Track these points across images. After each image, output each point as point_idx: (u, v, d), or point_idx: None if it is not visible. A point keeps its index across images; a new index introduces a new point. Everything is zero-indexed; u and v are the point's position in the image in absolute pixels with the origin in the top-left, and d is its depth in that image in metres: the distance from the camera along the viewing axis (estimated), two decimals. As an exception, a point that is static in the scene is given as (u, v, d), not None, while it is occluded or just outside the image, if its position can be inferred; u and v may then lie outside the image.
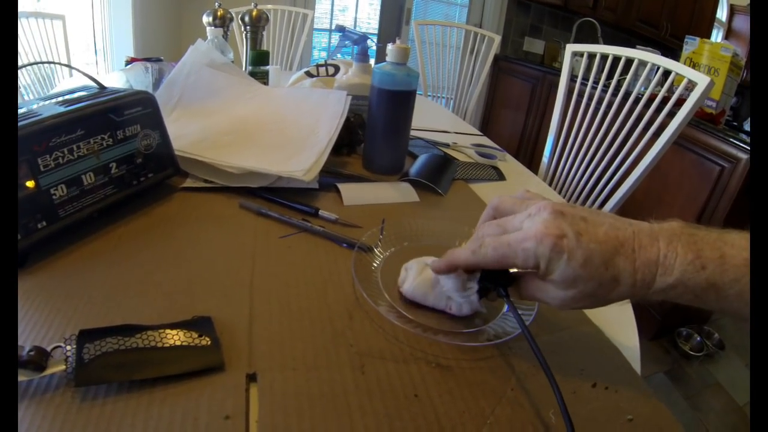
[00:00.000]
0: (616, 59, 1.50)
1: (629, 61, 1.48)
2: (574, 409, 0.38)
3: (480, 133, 1.35)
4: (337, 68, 1.22)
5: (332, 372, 0.40)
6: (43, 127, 0.53)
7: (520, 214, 0.41)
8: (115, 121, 0.61)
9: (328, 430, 0.35)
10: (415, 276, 0.50)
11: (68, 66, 0.68)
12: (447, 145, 1.14)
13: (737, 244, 0.35)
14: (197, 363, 0.41)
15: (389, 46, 0.81)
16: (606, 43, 1.61)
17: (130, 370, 0.40)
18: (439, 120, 1.46)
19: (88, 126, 0.58)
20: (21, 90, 1.81)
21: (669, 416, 0.40)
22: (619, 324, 0.53)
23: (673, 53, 3.09)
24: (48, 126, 0.54)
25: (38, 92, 1.87)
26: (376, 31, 3.68)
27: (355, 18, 3.73)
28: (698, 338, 2.01)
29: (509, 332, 0.46)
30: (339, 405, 0.37)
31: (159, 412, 0.36)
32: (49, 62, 0.65)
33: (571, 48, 1.67)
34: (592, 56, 1.59)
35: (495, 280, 0.45)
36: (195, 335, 0.43)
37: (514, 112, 3.50)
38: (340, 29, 1.11)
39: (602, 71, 1.55)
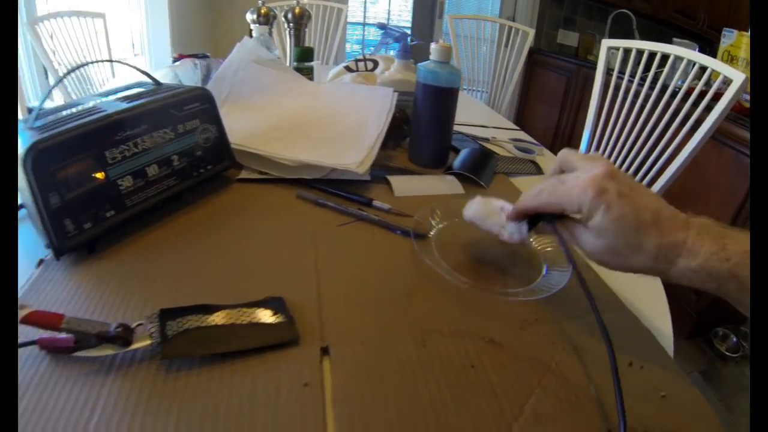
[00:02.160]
0: (653, 53, 1.51)
1: (665, 56, 1.48)
2: (612, 385, 0.40)
3: (517, 127, 1.37)
4: (375, 63, 1.26)
5: (397, 345, 0.44)
6: (110, 122, 0.57)
7: (580, 170, 0.46)
8: (176, 116, 0.65)
9: (397, 397, 0.39)
10: (480, 201, 0.58)
11: (127, 65, 0.72)
12: (486, 140, 1.17)
13: None
14: (275, 337, 0.44)
15: (432, 45, 0.84)
16: (641, 34, 1.61)
17: (212, 344, 0.43)
18: (477, 114, 1.49)
19: (151, 121, 0.62)
20: (68, 89, 1.87)
21: (700, 398, 0.42)
22: (654, 315, 0.55)
23: (711, 45, 3.03)
24: (115, 121, 0.58)
25: (79, 91, 1.92)
26: (409, 25, 3.68)
27: (388, 12, 3.74)
28: (735, 339, 1.96)
29: (555, 285, 0.54)
30: (404, 375, 0.41)
31: (241, 382, 0.40)
32: (108, 60, 0.69)
33: (606, 43, 1.67)
34: (628, 51, 1.59)
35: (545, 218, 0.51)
36: (270, 313, 0.47)
37: (549, 106, 3.47)
38: (382, 26, 1.14)
39: (638, 65, 1.55)
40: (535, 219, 0.52)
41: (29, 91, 1.72)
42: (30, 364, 0.41)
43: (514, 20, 3.40)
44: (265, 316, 0.47)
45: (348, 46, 3.64)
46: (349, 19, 3.51)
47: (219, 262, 0.55)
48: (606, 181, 0.42)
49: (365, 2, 3.66)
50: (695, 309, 1.98)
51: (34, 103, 1.88)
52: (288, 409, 0.38)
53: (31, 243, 0.57)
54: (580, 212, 0.44)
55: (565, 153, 0.50)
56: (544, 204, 0.48)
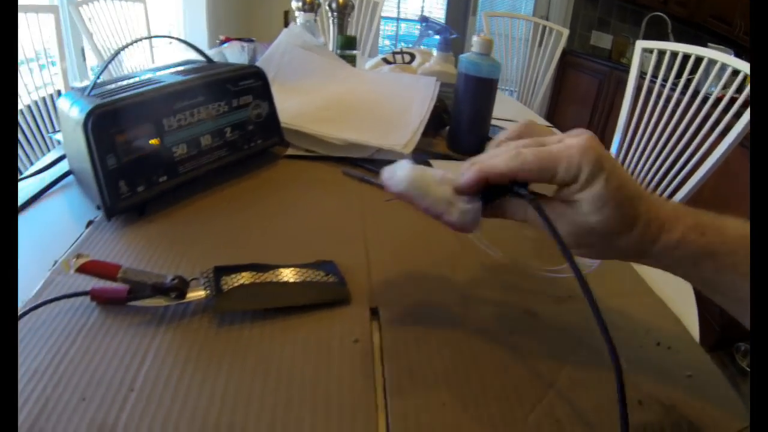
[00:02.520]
0: (686, 57, 1.50)
1: (698, 60, 1.47)
2: (641, 359, 0.43)
3: (550, 124, 1.39)
4: (412, 56, 1.29)
5: (441, 309, 0.47)
6: (170, 91, 0.61)
7: (556, 146, 0.37)
8: (231, 91, 0.68)
9: (441, 357, 0.41)
10: (412, 167, 0.41)
11: (184, 42, 0.76)
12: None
13: (735, 224, 0.36)
14: (327, 296, 0.47)
15: (474, 38, 0.87)
16: (676, 39, 1.60)
17: (265, 299, 0.45)
18: (511, 109, 1.50)
19: (208, 93, 0.65)
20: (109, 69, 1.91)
21: (724, 381, 0.44)
22: (680, 305, 0.55)
23: (746, 52, 2.98)
24: (175, 91, 0.61)
25: (112, 75, 1.97)
26: (442, 21, 3.70)
27: (422, 8, 3.75)
28: (757, 355, 1.91)
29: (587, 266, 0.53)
30: (448, 335, 0.44)
31: (293, 338, 0.42)
32: (165, 36, 0.73)
33: (640, 44, 1.67)
34: (661, 53, 1.59)
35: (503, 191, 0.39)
36: (322, 273, 0.49)
37: (580, 108, 3.45)
38: (424, 19, 1.17)
39: (671, 68, 1.55)
40: (495, 192, 0.39)
41: (71, 72, 1.78)
42: (80, 314, 0.43)
43: (547, 20, 3.40)
44: (318, 276, 0.49)
45: (379, 40, 3.67)
46: (383, 14, 3.55)
47: (269, 228, 0.58)
48: (599, 148, 0.36)
49: (399, -2, 3.67)
50: (719, 322, 1.96)
51: (75, 83, 1.94)
52: (339, 364, 0.40)
53: (77, 207, 0.60)
54: (576, 180, 0.36)
55: (531, 122, 0.42)
56: (528, 167, 0.36)
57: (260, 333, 0.42)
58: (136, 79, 0.66)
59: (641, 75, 1.66)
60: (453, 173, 0.40)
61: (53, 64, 1.65)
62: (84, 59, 2.08)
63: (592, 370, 0.42)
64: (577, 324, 0.48)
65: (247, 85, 0.71)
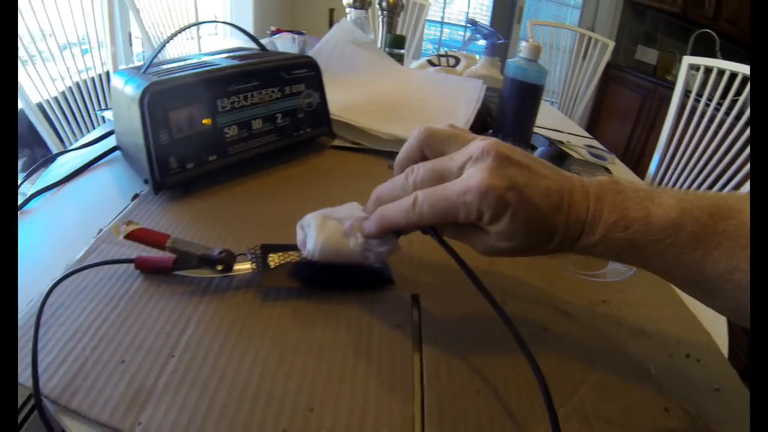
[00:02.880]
0: (733, 76, 1.48)
1: (745, 79, 1.45)
2: (670, 369, 0.44)
3: (590, 135, 1.39)
4: (457, 60, 1.30)
5: (480, 301, 0.47)
6: (226, 73, 0.62)
7: (457, 154, 0.37)
8: (284, 78, 0.70)
9: (479, 347, 0.43)
10: (318, 232, 0.43)
11: (239, 28, 0.79)
12: (561, 143, 1.19)
13: (665, 203, 0.34)
14: (371, 278, 0.48)
15: (523, 43, 0.88)
16: (724, 58, 1.57)
17: (310, 279, 0.46)
18: (553, 119, 1.50)
19: (262, 78, 0.67)
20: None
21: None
22: (709, 320, 0.55)
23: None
24: (230, 74, 0.63)
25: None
26: (487, 26, 3.69)
27: (467, 13, 3.74)
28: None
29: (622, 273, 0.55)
30: (486, 327, 0.45)
31: (336, 317, 0.43)
32: (222, 22, 0.75)
33: (687, 60, 1.64)
34: (708, 70, 1.57)
35: None
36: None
37: (621, 123, 3.40)
38: (472, 23, 1.18)
39: (717, 89, 1.53)
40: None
41: (120, 56, 1.84)
42: (124, 280, 0.44)
43: (593, 31, 3.37)
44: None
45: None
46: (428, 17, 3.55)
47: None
48: (505, 172, 0.34)
49: (444, 2, 3.67)
50: (746, 353, 1.91)
51: (122, 66, 2.00)
52: (378, 347, 0.41)
53: (123, 181, 0.63)
54: (480, 220, 0.35)
55: (423, 130, 0.40)
56: (426, 220, 0.36)
57: (303, 311, 0.43)
58: (191, 61, 0.68)
59: (686, 93, 1.64)
60: (358, 209, 0.44)
61: (90, 49, 1.71)
62: (131, 44, 2.14)
63: (622, 375, 0.43)
64: (609, 329, 0.48)
65: (300, 74, 0.72)
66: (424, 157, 0.40)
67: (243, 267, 0.45)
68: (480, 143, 0.36)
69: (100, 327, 0.39)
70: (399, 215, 0.38)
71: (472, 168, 0.35)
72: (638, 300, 0.54)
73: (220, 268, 0.44)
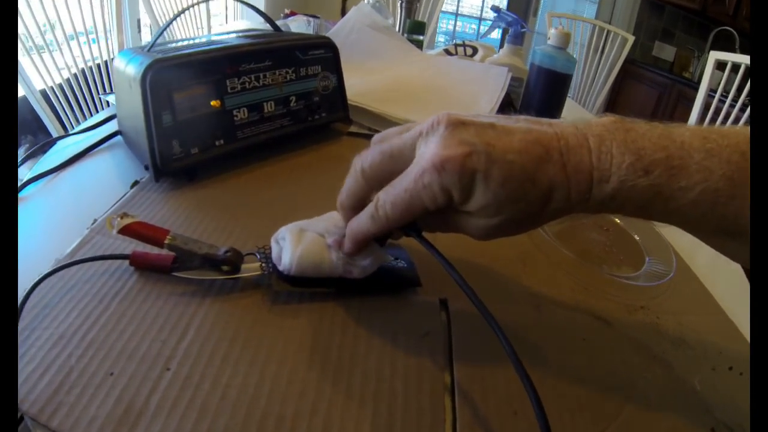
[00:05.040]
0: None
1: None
2: (714, 384, 0.40)
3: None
4: (475, 50, 1.25)
5: (512, 305, 0.44)
6: (237, 52, 0.58)
7: (407, 132, 0.33)
8: (299, 59, 0.65)
9: None
10: (294, 245, 0.39)
11: (251, 6, 0.75)
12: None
13: (688, 143, 0.28)
14: (396, 281, 0.43)
15: (552, 30, 0.84)
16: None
17: (328, 281, 0.40)
18: (572, 112, 1.47)
19: (276, 58, 0.62)
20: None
21: None
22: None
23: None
24: (241, 52, 0.58)
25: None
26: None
27: (482, 7, 3.70)
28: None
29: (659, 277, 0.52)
30: (519, 336, 0.41)
31: (356, 325, 0.39)
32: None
33: (714, 55, 1.60)
34: (735, 68, 1.52)
35: None
36: (391, 258, 0.44)
37: (636, 119, 3.37)
38: (496, 10, 1.13)
39: (742, 88, 1.48)
40: (385, 234, 0.39)
41: (128, 44, 1.82)
42: (117, 278, 0.40)
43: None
44: (387, 259, 0.43)
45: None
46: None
47: (331, 206, 0.55)
48: (461, 137, 0.30)
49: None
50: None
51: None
52: (405, 362, 0.36)
53: (123, 168, 0.59)
54: (451, 201, 0.31)
55: (377, 138, 0.36)
56: (393, 222, 0.33)
57: (319, 318, 0.39)
58: (200, 41, 0.64)
59: (710, 93, 1.58)
60: (336, 220, 0.41)
61: (97, 40, 1.68)
62: (139, 31, 2.11)
63: (668, 390, 0.39)
64: (649, 338, 0.45)
65: (316, 55, 0.68)
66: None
67: (251, 267, 0.40)
68: (430, 118, 0.32)
69: (89, 331, 0.34)
70: (366, 224, 0.35)
71: (423, 145, 0.31)
72: (676, 307, 0.50)
73: (225, 269, 0.39)
